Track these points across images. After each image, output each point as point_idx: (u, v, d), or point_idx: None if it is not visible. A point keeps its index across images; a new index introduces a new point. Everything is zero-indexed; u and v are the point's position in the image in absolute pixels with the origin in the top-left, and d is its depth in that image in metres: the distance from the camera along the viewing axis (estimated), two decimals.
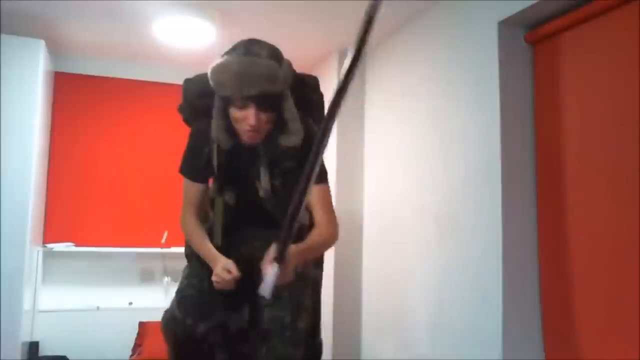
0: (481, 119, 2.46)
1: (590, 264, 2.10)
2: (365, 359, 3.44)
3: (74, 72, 3.94)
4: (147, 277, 4.01)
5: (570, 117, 2.23)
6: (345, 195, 3.58)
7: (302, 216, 1.71)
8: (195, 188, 1.81)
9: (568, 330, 2.16)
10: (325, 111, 1.34)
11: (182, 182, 1.83)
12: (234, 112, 1.60)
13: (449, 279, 2.64)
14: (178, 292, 1.80)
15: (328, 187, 1.79)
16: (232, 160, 1.75)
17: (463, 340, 2.50)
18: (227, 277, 1.62)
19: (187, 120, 1.87)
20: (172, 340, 1.77)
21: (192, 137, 1.79)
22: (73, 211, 3.84)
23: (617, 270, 1.97)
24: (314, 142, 1.33)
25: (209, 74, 1.60)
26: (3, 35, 3.18)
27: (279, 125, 1.65)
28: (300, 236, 1.71)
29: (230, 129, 1.66)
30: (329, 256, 3.56)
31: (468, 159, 2.55)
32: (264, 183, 1.73)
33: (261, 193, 1.74)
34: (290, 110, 1.64)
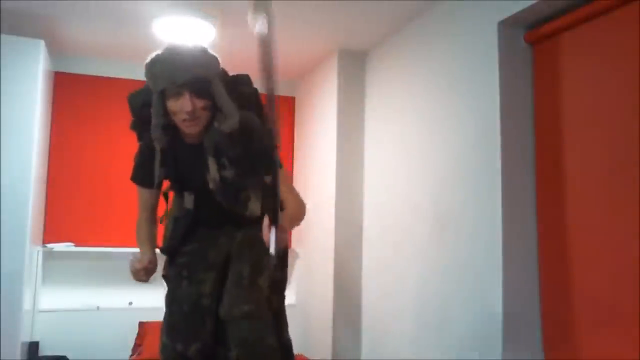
0: (481, 118, 2.46)
1: (590, 263, 2.10)
2: (365, 359, 3.44)
3: (74, 72, 3.94)
4: None
5: (570, 117, 2.23)
6: (345, 196, 3.58)
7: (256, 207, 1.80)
8: (146, 194, 1.89)
9: (568, 330, 2.17)
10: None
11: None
12: (171, 105, 1.65)
13: (449, 278, 2.64)
14: (164, 320, 1.87)
15: (284, 171, 1.82)
16: (178, 161, 1.79)
17: (463, 340, 2.50)
18: (137, 266, 1.80)
19: (139, 135, 1.91)
20: None
21: (140, 145, 1.86)
22: (73, 211, 3.84)
23: (617, 270, 1.97)
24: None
25: (144, 72, 1.68)
26: (3, 35, 3.18)
27: (216, 114, 1.71)
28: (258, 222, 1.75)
29: (168, 126, 1.71)
30: (329, 256, 3.57)
31: (468, 158, 2.55)
32: (212, 173, 1.75)
33: (211, 185, 1.76)
34: (222, 95, 1.69)
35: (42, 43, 3.28)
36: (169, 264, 1.93)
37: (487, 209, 2.38)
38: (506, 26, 2.39)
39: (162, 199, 1.96)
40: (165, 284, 1.95)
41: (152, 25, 3.28)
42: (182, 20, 3.15)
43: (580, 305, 2.13)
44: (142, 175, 1.86)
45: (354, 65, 3.70)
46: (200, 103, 1.65)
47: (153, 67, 1.66)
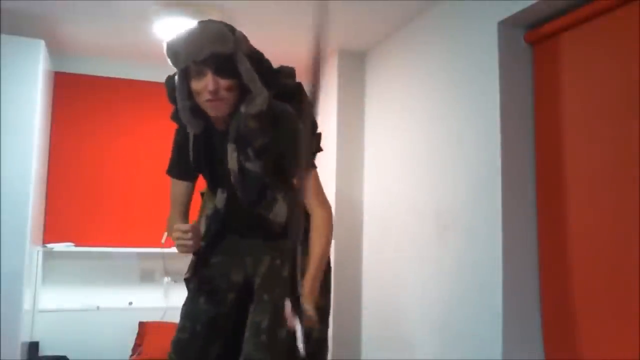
0: (481, 118, 2.46)
1: (590, 263, 2.10)
2: (365, 359, 3.44)
3: (74, 72, 3.93)
4: (147, 277, 4.00)
5: (570, 117, 2.23)
6: (345, 196, 3.58)
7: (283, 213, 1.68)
8: (180, 188, 1.78)
9: (568, 330, 2.16)
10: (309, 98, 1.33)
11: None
12: (194, 85, 1.55)
13: (449, 279, 2.64)
14: (176, 332, 1.77)
15: (316, 173, 1.68)
16: (211, 150, 1.68)
17: (463, 340, 2.50)
18: (183, 228, 1.58)
19: (178, 123, 1.79)
20: None
21: (175, 137, 1.76)
22: (73, 211, 3.83)
23: (617, 270, 1.97)
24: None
25: (165, 51, 1.57)
26: (3, 35, 3.18)
27: (243, 95, 1.58)
28: (282, 230, 1.67)
29: (196, 110, 1.60)
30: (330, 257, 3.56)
31: (468, 158, 2.55)
32: (231, 162, 1.63)
33: (231, 178, 1.65)
34: (249, 73, 1.55)
35: (42, 43, 3.28)
36: (193, 267, 1.81)
37: (487, 209, 2.38)
38: (506, 26, 2.39)
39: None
40: (185, 288, 1.85)
41: (152, 25, 3.27)
42: (182, 20, 3.15)
43: (580, 305, 2.13)
44: (178, 167, 1.77)
45: (354, 65, 3.70)
46: (224, 82, 1.53)
47: (173, 45, 1.55)
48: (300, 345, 1.35)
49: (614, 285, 1.99)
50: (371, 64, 3.64)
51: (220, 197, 1.73)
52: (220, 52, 1.51)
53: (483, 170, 2.43)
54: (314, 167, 1.67)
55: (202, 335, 1.72)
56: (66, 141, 3.88)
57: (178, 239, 1.60)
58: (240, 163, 1.63)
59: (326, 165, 3.72)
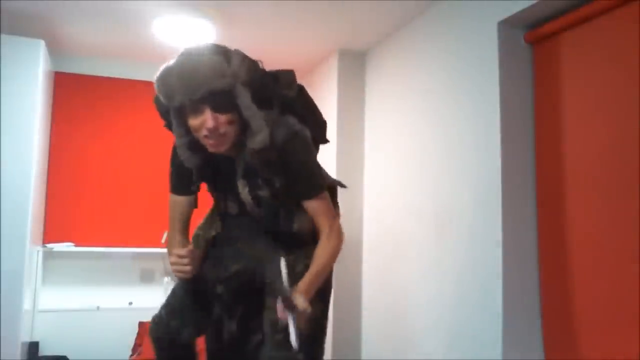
0: (481, 118, 2.46)
1: (590, 264, 2.10)
2: (365, 359, 3.44)
3: (74, 72, 3.94)
4: (147, 277, 4.01)
5: (570, 117, 2.23)
6: (345, 196, 3.56)
7: (301, 224, 1.69)
8: (181, 201, 1.75)
9: (568, 330, 2.16)
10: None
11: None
12: (191, 121, 1.48)
13: (448, 279, 2.64)
14: (169, 294, 1.80)
15: (324, 194, 1.68)
16: (217, 170, 1.67)
17: (463, 340, 2.50)
18: (181, 253, 1.60)
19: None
20: (156, 344, 1.76)
21: (172, 153, 1.72)
22: (73, 211, 3.84)
23: (617, 270, 1.97)
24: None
25: (156, 86, 1.49)
26: (3, 35, 3.18)
27: (245, 127, 1.53)
28: (309, 238, 1.69)
29: (195, 145, 1.55)
30: None
31: (468, 158, 2.55)
32: (243, 196, 1.64)
33: (247, 206, 1.67)
34: (248, 107, 1.49)
35: (42, 43, 3.28)
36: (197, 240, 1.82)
37: (487, 209, 2.38)
38: (506, 26, 2.39)
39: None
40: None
41: (152, 25, 3.28)
42: (182, 20, 3.15)
43: (580, 305, 2.13)
44: (179, 185, 1.74)
45: (354, 65, 3.70)
46: (223, 118, 1.46)
47: (165, 80, 1.46)
48: (294, 339, 1.37)
49: (614, 285, 1.99)
50: (371, 64, 3.64)
51: (232, 205, 1.72)
52: (217, 89, 1.43)
53: (483, 170, 2.43)
54: (320, 191, 1.66)
55: (200, 295, 1.72)
56: (66, 141, 3.88)
57: (175, 264, 1.62)
58: (252, 193, 1.63)
59: (326, 165, 3.71)
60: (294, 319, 1.39)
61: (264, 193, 1.63)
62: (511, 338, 2.24)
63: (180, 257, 1.59)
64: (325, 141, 1.85)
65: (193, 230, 1.86)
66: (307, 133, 1.64)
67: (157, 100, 1.57)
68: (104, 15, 3.20)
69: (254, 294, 1.73)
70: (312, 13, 3.11)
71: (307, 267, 1.63)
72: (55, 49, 3.70)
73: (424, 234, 2.87)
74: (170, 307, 1.77)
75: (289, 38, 3.46)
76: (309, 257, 1.64)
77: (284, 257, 1.51)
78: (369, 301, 3.47)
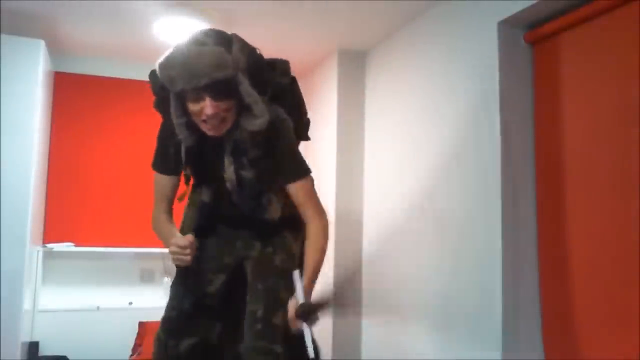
0: (481, 118, 2.46)
1: (590, 264, 2.10)
2: (365, 359, 3.44)
3: (74, 72, 3.93)
4: (147, 277, 4.01)
5: (570, 117, 2.23)
6: (345, 196, 3.58)
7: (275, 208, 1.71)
8: (164, 181, 1.77)
9: (568, 330, 2.16)
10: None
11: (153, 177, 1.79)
12: (191, 106, 1.52)
13: (448, 279, 2.64)
14: (165, 311, 1.80)
15: (310, 178, 1.71)
16: (202, 152, 1.68)
17: (463, 340, 2.50)
18: (181, 243, 1.60)
19: (163, 115, 1.76)
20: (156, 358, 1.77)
21: (160, 130, 1.74)
22: (73, 211, 3.83)
23: (617, 270, 1.97)
24: None
25: (157, 71, 1.53)
26: (3, 35, 3.17)
27: (243, 111, 1.57)
28: (285, 226, 1.73)
29: (192, 125, 1.58)
30: (329, 257, 3.56)
31: (468, 158, 2.55)
32: (228, 173, 1.64)
33: (228, 185, 1.66)
34: (249, 93, 1.53)
35: (42, 43, 3.28)
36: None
37: (487, 209, 2.38)
38: (506, 26, 2.39)
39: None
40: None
41: (152, 25, 3.28)
42: (182, 20, 3.15)
43: (580, 305, 2.13)
44: (163, 162, 1.75)
45: (354, 65, 3.70)
46: (223, 105, 1.51)
47: (167, 68, 1.50)
48: (310, 347, 1.36)
49: (614, 285, 1.99)
50: (371, 64, 3.64)
51: (206, 192, 1.75)
52: (219, 79, 1.46)
53: (483, 170, 2.43)
54: (307, 174, 1.69)
55: (189, 312, 1.74)
56: (66, 141, 3.88)
57: (175, 253, 1.62)
58: (236, 172, 1.65)
59: (326, 165, 3.72)
60: (310, 329, 1.40)
61: (247, 173, 1.65)
62: (511, 338, 2.24)
63: (183, 247, 1.60)
64: (307, 138, 1.89)
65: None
66: (291, 123, 1.69)
67: (152, 76, 1.63)
68: (104, 16, 3.20)
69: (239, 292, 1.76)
70: (312, 13, 3.11)
71: (288, 257, 1.70)
72: (55, 49, 3.70)
73: (424, 234, 2.87)
74: (165, 323, 1.77)
75: (289, 38, 3.46)
76: (286, 246, 1.70)
77: (297, 270, 1.56)
78: (369, 301, 3.46)
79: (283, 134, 1.65)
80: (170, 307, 1.79)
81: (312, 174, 1.73)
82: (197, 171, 1.76)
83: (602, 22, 2.07)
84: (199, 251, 1.74)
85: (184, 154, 1.67)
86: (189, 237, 1.63)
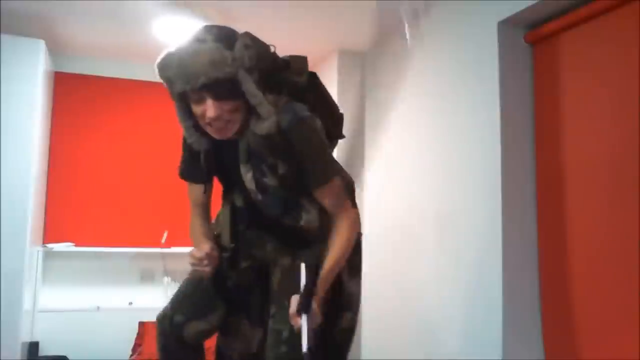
0: (481, 118, 2.46)
1: (590, 264, 2.10)
2: (365, 359, 3.44)
3: (74, 72, 3.93)
4: (147, 277, 4.00)
5: (570, 117, 2.23)
6: None
7: (310, 218, 1.61)
8: (196, 189, 1.71)
9: (568, 330, 2.16)
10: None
11: (186, 183, 1.74)
12: (194, 108, 1.45)
13: (449, 279, 2.64)
14: (175, 292, 1.73)
15: (336, 182, 1.59)
16: (221, 157, 1.60)
17: (463, 340, 2.50)
18: (197, 255, 1.52)
19: None
20: (158, 339, 1.69)
21: (184, 139, 1.65)
22: (73, 211, 3.83)
23: (617, 270, 1.97)
24: None
25: (157, 72, 1.46)
26: (3, 35, 3.17)
27: (253, 113, 1.47)
28: (318, 236, 1.62)
29: (200, 127, 1.51)
30: None
31: (468, 158, 2.55)
32: (247, 182, 1.56)
33: (252, 195, 1.59)
34: (253, 94, 1.43)
35: (42, 43, 3.28)
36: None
37: (487, 209, 2.38)
38: (506, 26, 2.39)
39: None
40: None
41: (152, 25, 3.27)
42: (182, 20, 3.15)
43: (580, 304, 2.13)
44: (189, 171, 1.68)
45: (354, 65, 3.70)
46: (227, 105, 1.42)
47: (165, 69, 1.43)
48: (305, 342, 1.34)
49: (614, 285, 1.99)
50: (371, 64, 3.64)
51: (238, 195, 1.66)
52: (218, 78, 1.38)
53: (483, 170, 2.43)
54: (332, 177, 1.58)
55: (207, 290, 1.66)
56: (66, 141, 3.88)
57: (193, 264, 1.56)
58: (256, 180, 1.56)
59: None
60: (308, 320, 1.35)
61: (269, 180, 1.55)
62: (511, 338, 2.24)
63: (199, 259, 1.53)
64: (341, 136, 1.79)
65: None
66: (317, 121, 1.56)
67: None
68: (104, 16, 3.20)
69: (261, 290, 1.70)
70: (312, 13, 3.11)
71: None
72: (55, 49, 3.70)
73: (424, 234, 2.87)
74: (176, 297, 1.70)
75: (289, 38, 3.46)
76: (318, 258, 1.57)
77: (303, 262, 1.46)
78: (369, 301, 3.46)
79: (301, 137, 1.51)
80: (186, 282, 1.72)
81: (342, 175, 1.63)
82: (221, 177, 1.70)
83: (602, 22, 2.07)
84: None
85: (203, 159, 1.59)
86: (206, 248, 1.54)
